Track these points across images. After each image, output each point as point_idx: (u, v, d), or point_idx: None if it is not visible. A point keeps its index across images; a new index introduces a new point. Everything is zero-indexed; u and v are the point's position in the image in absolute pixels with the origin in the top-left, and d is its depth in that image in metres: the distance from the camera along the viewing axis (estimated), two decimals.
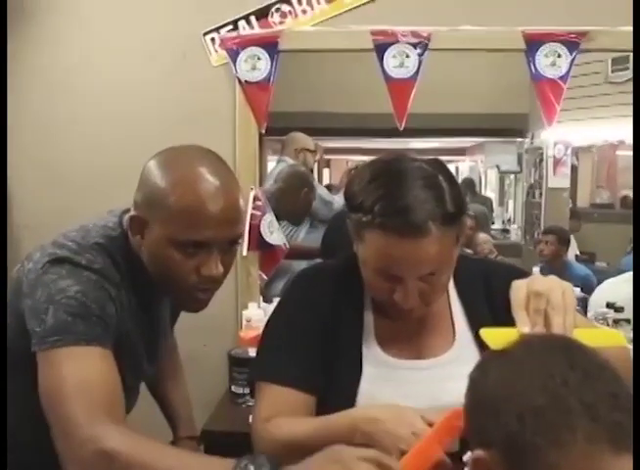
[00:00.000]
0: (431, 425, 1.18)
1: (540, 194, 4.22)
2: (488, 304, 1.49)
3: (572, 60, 2.49)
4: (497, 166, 4.98)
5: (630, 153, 4.38)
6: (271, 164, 4.23)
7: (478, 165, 6.14)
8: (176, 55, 2.66)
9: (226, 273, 1.44)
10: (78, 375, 1.25)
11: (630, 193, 4.48)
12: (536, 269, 2.83)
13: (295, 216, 3.51)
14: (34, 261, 1.38)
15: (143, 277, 1.45)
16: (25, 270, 1.38)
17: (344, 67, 3.87)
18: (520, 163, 4.81)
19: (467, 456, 1.05)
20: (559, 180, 4.06)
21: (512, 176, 5.40)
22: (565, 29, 2.49)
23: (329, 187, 5.34)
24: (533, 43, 2.50)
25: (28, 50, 2.69)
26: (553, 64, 2.49)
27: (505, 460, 0.91)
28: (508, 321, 1.20)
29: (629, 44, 2.46)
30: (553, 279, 1.28)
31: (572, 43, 2.48)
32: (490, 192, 5.99)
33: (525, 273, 1.45)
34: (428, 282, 1.36)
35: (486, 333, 1.12)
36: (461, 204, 1.37)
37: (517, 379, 0.93)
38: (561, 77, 2.50)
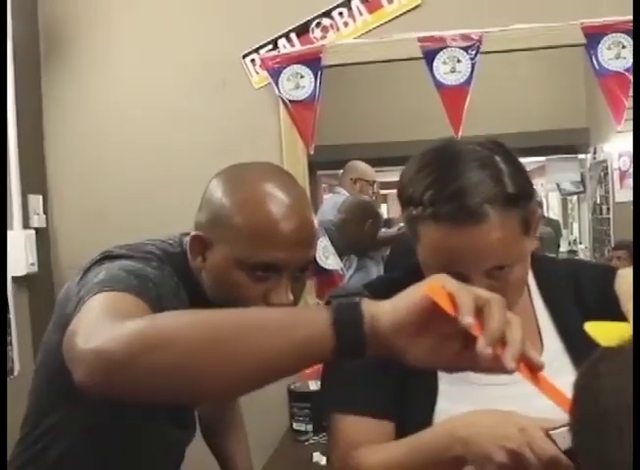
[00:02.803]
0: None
1: (608, 209, 3.88)
2: (579, 308, 1.23)
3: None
4: (557, 185, 4.67)
5: None
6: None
7: (539, 190, 5.82)
8: (216, 81, 2.45)
9: (296, 303, 1.22)
10: (114, 306, 0.99)
11: None
12: None
13: (359, 249, 3.24)
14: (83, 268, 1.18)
15: (199, 301, 1.22)
16: (76, 279, 1.17)
17: (399, 92, 3.67)
18: (583, 182, 4.48)
19: None
20: (626, 193, 3.72)
21: (574, 198, 5.06)
22: (627, 18, 2.20)
23: (388, 221, 5.09)
24: (594, 36, 2.22)
25: (65, 88, 2.52)
26: (617, 56, 2.20)
27: None
28: None
29: None
30: None
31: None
32: (553, 216, 5.65)
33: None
34: (497, 279, 1.12)
35: (594, 327, 0.84)
36: (525, 185, 1.14)
37: None
38: (627, 69, 2.20)
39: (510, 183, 1.11)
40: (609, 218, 3.88)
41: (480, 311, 0.77)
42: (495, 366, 0.77)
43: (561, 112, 3.85)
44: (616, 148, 3.79)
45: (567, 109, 3.85)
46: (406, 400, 1.24)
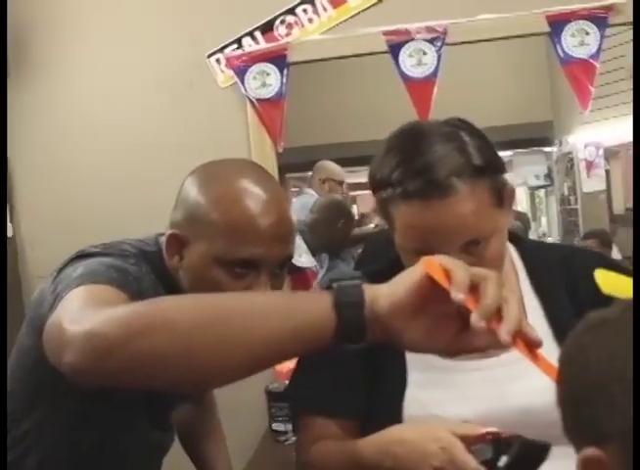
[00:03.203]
0: (462, 438, 1.04)
1: (576, 200, 3.90)
2: (569, 293, 1.22)
3: (602, 36, 2.20)
4: (525, 179, 4.70)
5: None
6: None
7: None
8: (182, 82, 2.41)
9: None
10: (96, 297, 0.96)
11: None
12: None
13: (333, 248, 3.22)
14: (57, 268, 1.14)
15: None
16: (49, 280, 1.13)
17: (366, 91, 3.65)
18: (549, 175, 4.51)
19: (502, 462, 0.98)
20: (593, 183, 3.74)
21: (542, 192, 5.09)
22: (589, 6, 2.20)
23: (358, 222, 5.08)
24: (557, 24, 2.20)
25: (29, 92, 2.45)
26: (581, 43, 2.20)
27: (628, 458, 0.61)
28: None
29: None
30: None
31: (599, 18, 2.18)
32: (521, 210, 5.68)
33: (613, 262, 1.22)
34: (473, 254, 1.11)
35: (602, 274, 0.83)
36: (491, 157, 1.13)
37: (631, 350, 0.63)
38: (592, 56, 2.20)
39: (476, 154, 1.10)
40: (577, 209, 3.90)
41: (476, 288, 0.76)
42: (491, 343, 0.77)
43: (525, 105, 3.86)
44: (580, 139, 3.81)
45: (531, 102, 3.86)
46: (376, 391, 1.24)
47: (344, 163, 3.94)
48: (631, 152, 4.35)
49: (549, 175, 4.50)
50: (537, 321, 1.21)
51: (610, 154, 4.21)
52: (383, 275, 1.29)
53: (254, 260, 1.13)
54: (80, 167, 2.47)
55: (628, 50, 3.57)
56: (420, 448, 1.06)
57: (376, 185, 1.17)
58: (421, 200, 1.08)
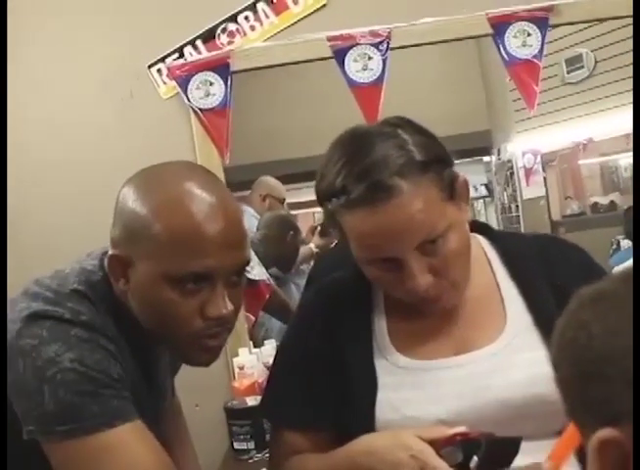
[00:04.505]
0: (430, 442, 1.02)
1: (517, 207, 3.94)
2: (548, 281, 1.19)
3: (544, 37, 2.21)
4: None
5: (593, 160, 4.18)
6: None
7: None
8: (122, 95, 2.32)
9: (237, 311, 1.09)
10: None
11: (600, 200, 4.28)
12: None
13: (283, 262, 3.17)
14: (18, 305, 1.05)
15: (134, 330, 1.09)
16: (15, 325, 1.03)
17: (307, 107, 3.63)
18: (488, 186, 4.55)
19: (474, 463, 0.98)
20: (533, 190, 3.79)
21: (480, 203, 5.14)
22: (530, 7, 2.21)
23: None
24: (500, 25, 2.20)
25: None
26: (524, 44, 2.20)
27: None
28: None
29: (598, 13, 2.22)
30: None
31: (540, 19, 2.19)
32: None
33: (591, 259, 1.25)
34: (433, 254, 1.08)
35: None
36: (435, 151, 1.09)
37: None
38: (534, 56, 2.21)
39: (416, 151, 1.06)
40: (518, 216, 3.95)
41: None
42: None
43: (462, 115, 3.89)
44: (519, 147, 3.86)
45: (468, 112, 3.89)
46: (347, 399, 1.20)
47: (285, 180, 3.90)
48: (564, 162, 4.45)
49: (487, 186, 4.55)
50: (517, 309, 1.18)
51: (545, 161, 4.29)
52: (348, 282, 1.25)
53: (207, 273, 1.03)
54: (15, 180, 2.34)
55: (561, 58, 3.66)
56: (389, 458, 1.04)
57: (321, 197, 1.12)
58: (366, 206, 1.04)
